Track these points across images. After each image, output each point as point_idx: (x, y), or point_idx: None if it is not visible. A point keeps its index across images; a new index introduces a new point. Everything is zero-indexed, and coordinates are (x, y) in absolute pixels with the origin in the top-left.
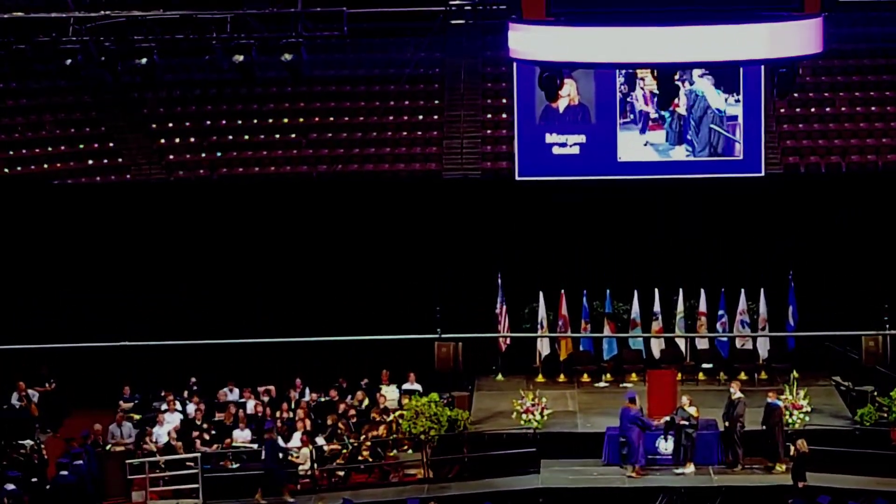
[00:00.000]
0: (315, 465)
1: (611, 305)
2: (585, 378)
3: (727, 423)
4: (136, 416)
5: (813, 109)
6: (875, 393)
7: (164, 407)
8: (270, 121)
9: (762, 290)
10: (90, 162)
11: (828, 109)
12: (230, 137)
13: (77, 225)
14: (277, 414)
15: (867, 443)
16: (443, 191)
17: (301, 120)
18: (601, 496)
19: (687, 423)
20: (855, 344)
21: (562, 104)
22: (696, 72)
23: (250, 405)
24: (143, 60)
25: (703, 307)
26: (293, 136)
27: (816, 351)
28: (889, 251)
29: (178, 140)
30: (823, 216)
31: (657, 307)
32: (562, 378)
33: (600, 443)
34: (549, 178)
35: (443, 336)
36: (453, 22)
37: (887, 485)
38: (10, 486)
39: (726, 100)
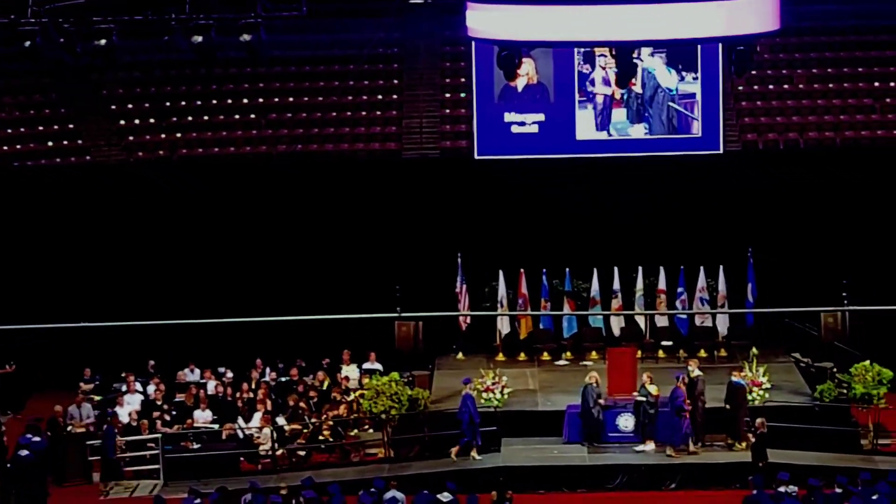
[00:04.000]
0: (276, 445)
1: (570, 284)
2: (545, 356)
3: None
4: (97, 398)
5: (771, 87)
6: (834, 369)
7: (124, 388)
8: (230, 101)
9: (721, 267)
10: (50, 144)
11: (785, 87)
12: (190, 118)
13: (37, 207)
14: (238, 395)
15: (827, 419)
16: (402, 170)
17: (260, 100)
18: (562, 474)
19: (646, 400)
20: (814, 320)
21: (520, 83)
22: (646, 50)
23: (211, 386)
24: (103, 42)
25: (662, 285)
26: (252, 116)
27: (776, 327)
28: (848, 227)
29: (137, 121)
30: (782, 193)
31: (616, 285)
32: (522, 356)
33: (561, 421)
34: (508, 156)
35: (403, 315)
36: (412, 1)
37: (847, 461)
38: None
39: (682, 78)
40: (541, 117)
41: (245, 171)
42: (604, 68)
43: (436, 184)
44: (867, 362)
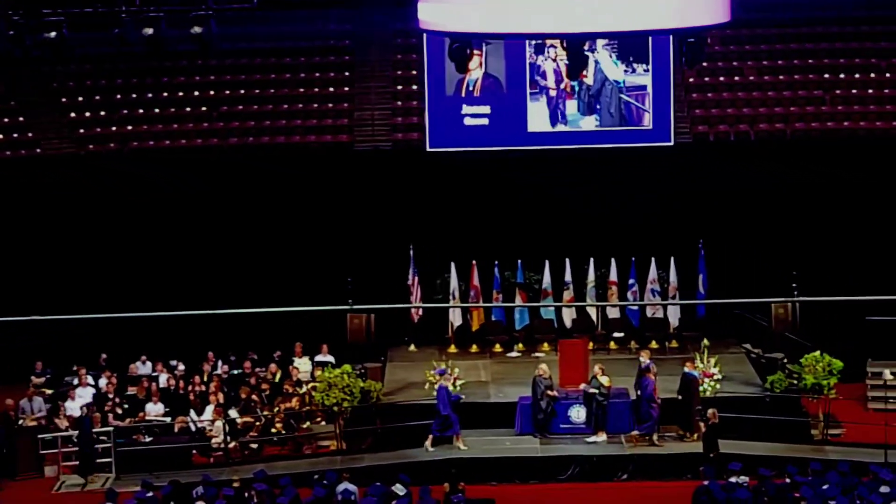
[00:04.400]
0: (228, 438)
1: (522, 275)
2: (498, 348)
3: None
4: (48, 391)
5: (722, 79)
6: (785, 360)
7: (75, 381)
8: (181, 94)
9: (672, 258)
10: (0, 136)
11: (736, 78)
12: (141, 111)
13: None
14: (190, 387)
15: (778, 410)
16: (354, 162)
17: (212, 92)
18: (514, 465)
19: (598, 391)
20: (765, 311)
21: (472, 75)
22: (600, 42)
23: (163, 379)
24: (53, 34)
25: (613, 276)
26: (204, 108)
27: (727, 319)
28: (798, 219)
29: (88, 114)
30: (733, 184)
31: (568, 277)
32: (474, 348)
33: (513, 412)
34: (460, 148)
35: (355, 307)
36: None
37: (797, 451)
38: None
39: (634, 70)
40: (492, 109)
41: (196, 163)
42: (555, 60)
43: (388, 176)
44: (817, 353)
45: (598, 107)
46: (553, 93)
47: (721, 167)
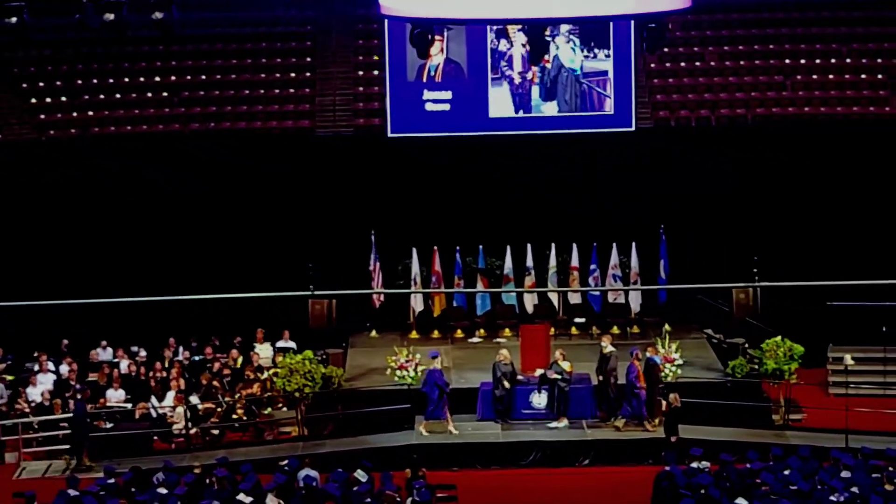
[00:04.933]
0: (189, 424)
1: (483, 261)
2: (459, 334)
3: (600, 378)
4: (9, 377)
5: (682, 64)
6: (746, 345)
7: (36, 368)
8: (142, 79)
9: (634, 244)
10: None
11: (697, 64)
12: (102, 96)
13: None
14: (151, 373)
15: (739, 395)
16: (315, 148)
17: (173, 78)
18: (475, 451)
19: (560, 377)
20: (726, 297)
21: (433, 61)
22: (564, 28)
23: (124, 365)
24: (14, 19)
25: (575, 262)
26: (165, 94)
27: (688, 304)
28: (759, 204)
29: (49, 99)
30: (694, 170)
31: (529, 262)
32: (436, 334)
33: (474, 398)
34: (422, 134)
35: (316, 293)
36: None
37: (758, 436)
38: None
39: (595, 55)
40: (454, 95)
41: (158, 149)
42: (524, 46)
43: (349, 161)
44: (778, 338)
45: (556, 93)
46: (517, 79)
47: (682, 152)
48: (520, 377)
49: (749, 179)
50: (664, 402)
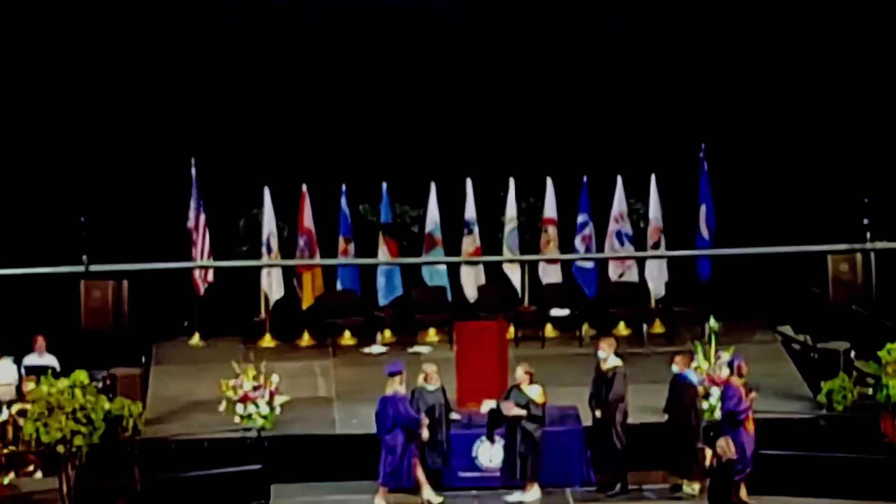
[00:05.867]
0: None
1: (390, 210)
2: (347, 338)
3: (598, 413)
4: None
5: None
6: (852, 353)
7: None
8: None
9: (653, 177)
10: None
11: None
12: None
13: None
14: None
15: (841, 440)
16: None
17: None
18: None
19: (525, 413)
20: (816, 269)
21: None
22: None
23: None
24: None
25: (550, 210)
26: None
27: (749, 283)
28: (868, 114)
29: None
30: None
31: (470, 211)
32: (306, 339)
33: (374, 452)
34: None
35: (93, 269)
36: None
37: None
38: None
39: None
40: None
41: None
42: None
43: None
44: None
45: None
46: None
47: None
48: (455, 415)
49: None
50: (707, 454)
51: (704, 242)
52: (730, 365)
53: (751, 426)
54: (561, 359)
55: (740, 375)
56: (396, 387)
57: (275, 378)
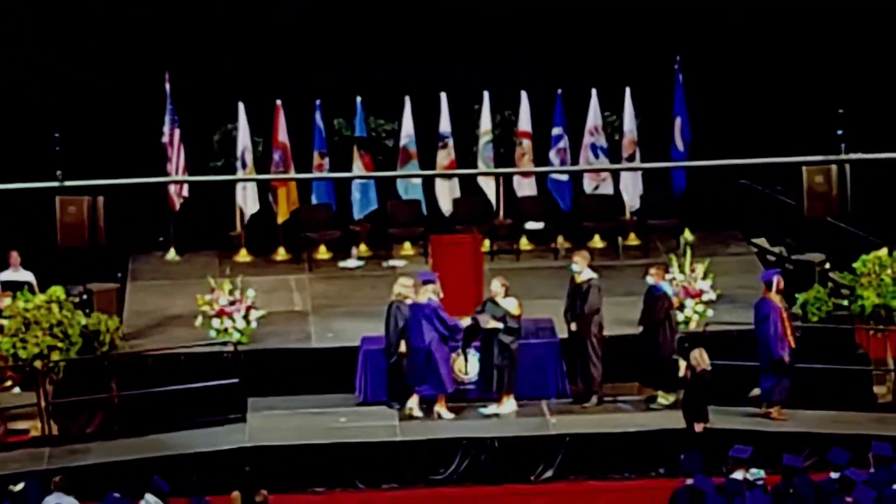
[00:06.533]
0: None
1: (364, 124)
2: (322, 252)
3: (573, 326)
4: None
5: None
6: (827, 265)
7: None
8: None
9: (627, 89)
10: None
11: None
12: None
13: None
14: None
15: (815, 353)
16: None
17: None
18: (355, 459)
19: (501, 326)
20: (791, 181)
21: None
22: None
23: None
24: None
25: (524, 123)
26: None
27: (724, 195)
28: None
29: None
30: None
31: (445, 124)
32: (281, 254)
33: (352, 367)
34: None
35: (67, 184)
36: None
37: (849, 424)
38: None
39: None
40: None
41: None
42: None
43: None
44: (884, 252)
45: None
46: None
47: None
48: None
49: None
50: (681, 366)
51: (679, 155)
52: (767, 279)
53: (792, 342)
54: (536, 272)
55: (779, 291)
56: (430, 294)
57: (251, 292)
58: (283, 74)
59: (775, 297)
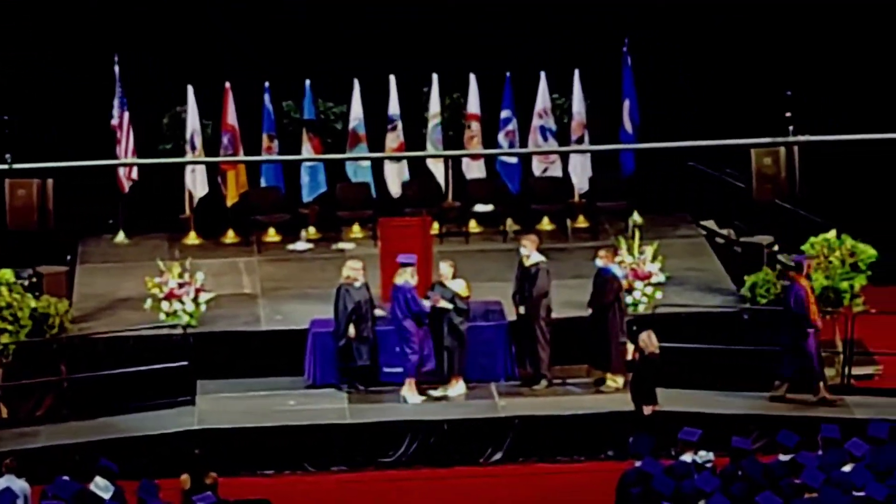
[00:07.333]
0: None
1: (313, 106)
2: (271, 235)
3: (521, 309)
4: None
5: None
6: (776, 247)
7: None
8: None
9: (577, 72)
10: None
11: None
12: None
13: None
14: None
15: (763, 335)
16: None
17: None
18: (304, 440)
19: (451, 307)
20: (740, 163)
21: None
22: None
23: None
24: None
25: (473, 106)
26: None
27: (673, 177)
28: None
29: None
30: None
31: (394, 107)
32: (230, 237)
33: (300, 350)
34: None
35: (16, 167)
36: None
37: (797, 406)
38: None
39: None
40: None
41: None
42: None
43: None
44: (832, 234)
45: None
46: None
47: None
48: (380, 311)
49: None
50: (630, 348)
51: (628, 137)
52: (797, 264)
53: (820, 324)
54: (485, 254)
55: (808, 276)
56: (407, 277)
57: (200, 275)
58: (232, 55)
59: (804, 282)
